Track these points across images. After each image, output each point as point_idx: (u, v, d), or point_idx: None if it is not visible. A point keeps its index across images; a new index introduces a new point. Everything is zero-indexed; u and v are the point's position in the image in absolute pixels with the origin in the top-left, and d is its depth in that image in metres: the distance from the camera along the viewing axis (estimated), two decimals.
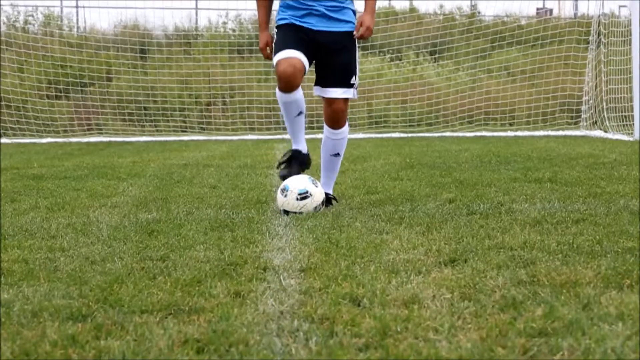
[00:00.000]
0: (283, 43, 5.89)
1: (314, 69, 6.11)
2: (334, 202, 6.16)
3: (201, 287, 3.56)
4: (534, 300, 3.24)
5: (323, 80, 6.01)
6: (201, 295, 3.42)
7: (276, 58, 5.86)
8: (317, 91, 6.04)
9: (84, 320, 3.09)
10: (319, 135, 6.46)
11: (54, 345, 2.79)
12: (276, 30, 6.03)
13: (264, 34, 6.15)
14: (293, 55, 5.80)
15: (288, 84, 5.82)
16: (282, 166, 6.21)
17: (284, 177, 6.05)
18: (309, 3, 5.89)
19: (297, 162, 6.17)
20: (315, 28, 5.90)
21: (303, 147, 6.19)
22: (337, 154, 6.21)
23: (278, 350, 2.73)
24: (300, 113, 6.02)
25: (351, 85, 5.99)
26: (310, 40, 5.89)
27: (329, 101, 6.00)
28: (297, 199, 5.75)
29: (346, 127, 6.14)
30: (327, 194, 6.07)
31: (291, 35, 5.90)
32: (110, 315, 3.13)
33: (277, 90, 5.96)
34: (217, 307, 3.22)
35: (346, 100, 6.03)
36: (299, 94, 5.92)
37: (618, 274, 3.63)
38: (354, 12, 6.04)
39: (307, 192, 5.78)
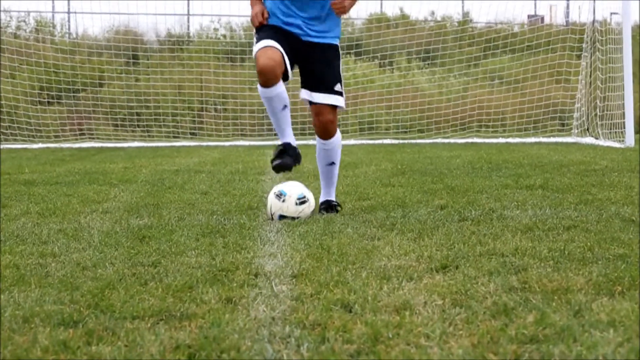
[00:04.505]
0: (265, 34, 5.81)
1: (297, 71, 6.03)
2: (338, 208, 6.10)
3: (193, 293, 3.56)
4: (525, 307, 3.24)
5: (309, 85, 5.95)
6: (192, 301, 3.41)
7: (256, 48, 5.76)
8: (304, 94, 5.97)
9: (75, 326, 3.08)
10: (312, 142, 6.38)
11: (45, 351, 2.79)
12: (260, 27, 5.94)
13: (257, 4, 5.97)
14: (273, 45, 5.71)
15: (268, 79, 5.70)
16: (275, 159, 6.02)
17: (278, 168, 5.89)
18: (294, 13, 5.86)
19: (289, 155, 5.94)
20: (300, 37, 5.87)
21: (292, 140, 5.98)
22: (332, 163, 6.13)
23: (270, 357, 2.73)
24: (285, 107, 5.87)
25: (337, 93, 5.93)
26: (294, 44, 5.84)
27: (317, 111, 5.94)
28: (296, 204, 5.73)
29: (337, 136, 6.07)
30: (330, 201, 6.09)
31: (275, 30, 5.84)
32: (102, 321, 3.12)
33: (258, 86, 5.84)
34: (209, 313, 3.22)
35: (334, 109, 5.95)
36: (280, 87, 5.78)
37: (609, 280, 3.63)
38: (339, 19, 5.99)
39: (304, 197, 5.78)
